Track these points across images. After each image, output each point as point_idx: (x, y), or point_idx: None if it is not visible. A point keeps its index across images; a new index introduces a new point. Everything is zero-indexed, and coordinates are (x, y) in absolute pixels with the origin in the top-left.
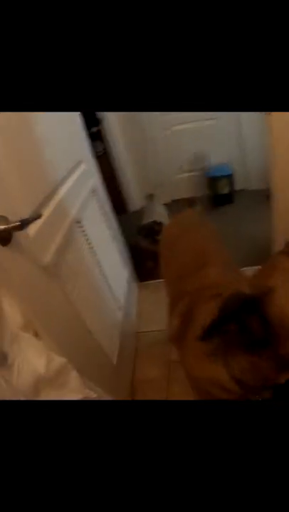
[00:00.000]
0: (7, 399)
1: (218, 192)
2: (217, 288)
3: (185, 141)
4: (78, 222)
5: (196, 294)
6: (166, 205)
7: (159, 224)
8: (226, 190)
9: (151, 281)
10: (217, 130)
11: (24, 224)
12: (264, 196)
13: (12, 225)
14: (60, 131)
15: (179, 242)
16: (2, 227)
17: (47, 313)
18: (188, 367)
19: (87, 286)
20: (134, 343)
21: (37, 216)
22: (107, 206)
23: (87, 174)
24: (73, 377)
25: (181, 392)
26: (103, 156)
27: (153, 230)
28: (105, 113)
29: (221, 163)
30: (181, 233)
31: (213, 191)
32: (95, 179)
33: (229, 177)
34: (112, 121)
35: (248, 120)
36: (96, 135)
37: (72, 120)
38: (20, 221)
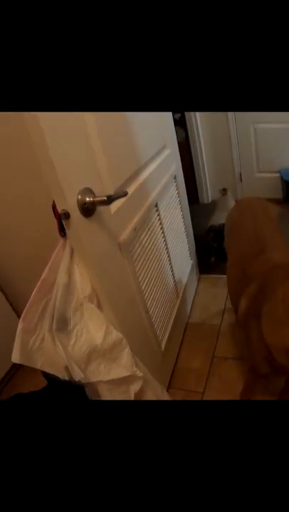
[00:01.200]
0: (60, 363)
1: None
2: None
3: (268, 140)
4: (156, 205)
5: (265, 277)
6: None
7: None
8: None
9: (211, 275)
10: None
11: (110, 200)
12: None
13: (99, 198)
14: (149, 114)
15: (240, 228)
16: (89, 199)
17: (113, 288)
18: (265, 335)
19: (153, 268)
20: (183, 332)
21: (123, 194)
22: (184, 194)
23: (170, 159)
24: (126, 354)
25: (219, 387)
26: (183, 144)
27: (221, 233)
28: None
29: None
30: (242, 219)
31: (286, 195)
32: (176, 165)
33: None
34: None
35: None
36: (178, 122)
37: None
38: (106, 196)
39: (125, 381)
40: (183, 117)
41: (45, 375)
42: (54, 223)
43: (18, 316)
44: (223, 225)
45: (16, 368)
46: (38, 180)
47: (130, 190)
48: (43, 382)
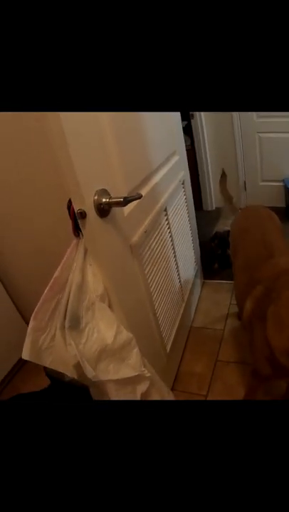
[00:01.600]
0: (72, 359)
1: None
2: None
3: (272, 149)
4: (165, 210)
5: (272, 281)
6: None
7: None
8: None
9: (215, 281)
10: None
11: (126, 201)
12: None
13: (115, 200)
14: (160, 121)
15: (247, 234)
16: (105, 200)
17: (124, 288)
18: (269, 337)
19: (161, 271)
20: (187, 336)
21: (138, 196)
22: (191, 200)
23: (179, 165)
24: (134, 354)
25: (221, 390)
26: (188, 151)
27: (226, 240)
28: None
29: None
30: (249, 226)
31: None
32: (185, 171)
33: None
34: (204, 117)
35: None
36: (185, 129)
37: (172, 112)
38: (123, 198)
39: (132, 381)
40: (189, 125)
41: (49, 374)
42: (57, 217)
43: (20, 313)
44: (228, 232)
45: (18, 368)
46: (40, 168)
47: (142, 193)
48: (44, 383)
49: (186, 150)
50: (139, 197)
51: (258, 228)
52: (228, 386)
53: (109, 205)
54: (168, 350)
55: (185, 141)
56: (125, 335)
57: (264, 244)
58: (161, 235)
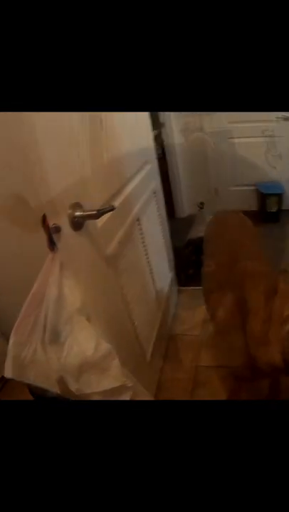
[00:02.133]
0: (54, 373)
1: (267, 209)
2: (260, 278)
3: (245, 155)
4: (138, 219)
5: (238, 287)
6: None
7: None
8: (274, 209)
9: (190, 288)
10: (275, 148)
11: (99, 214)
12: None
13: (88, 212)
14: (131, 131)
15: (218, 240)
16: (79, 213)
17: (101, 300)
18: (250, 348)
19: (137, 281)
20: (166, 343)
21: (111, 208)
22: (163, 209)
23: (151, 175)
24: (115, 365)
25: (205, 395)
26: (160, 160)
27: (200, 246)
28: (167, 117)
29: (274, 182)
30: (220, 231)
31: (262, 208)
32: (156, 181)
33: (280, 196)
34: (173, 125)
35: None
36: (155, 138)
37: (142, 121)
38: (96, 210)
39: (116, 392)
40: (160, 134)
41: (32, 392)
42: (32, 234)
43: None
44: (202, 238)
45: (1, 386)
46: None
47: (116, 204)
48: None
49: (158, 159)
50: (112, 209)
51: (229, 234)
52: (211, 391)
53: (83, 218)
54: (148, 359)
55: (156, 150)
56: (104, 346)
57: (232, 248)
58: (135, 245)
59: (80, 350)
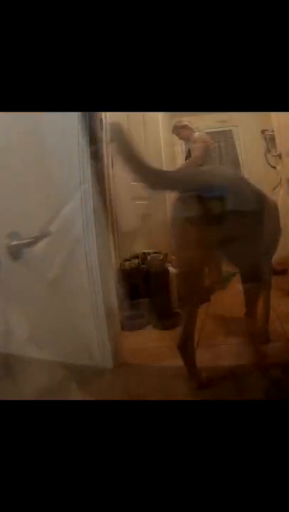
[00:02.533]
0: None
1: None
2: None
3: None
4: (78, 240)
5: None
6: None
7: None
8: None
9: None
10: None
11: (37, 240)
12: None
13: (26, 240)
14: (64, 149)
15: None
16: (16, 242)
17: (49, 326)
18: None
19: (85, 301)
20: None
21: (46, 233)
22: (104, 226)
23: (90, 194)
24: (72, 389)
25: None
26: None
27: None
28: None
29: None
30: None
31: None
32: (96, 199)
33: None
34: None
35: None
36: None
37: (75, 141)
38: (34, 237)
39: None
40: (97, 151)
41: None
42: None
43: None
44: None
45: None
46: None
47: (54, 227)
48: None
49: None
50: (48, 234)
51: None
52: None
53: (22, 246)
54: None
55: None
56: (59, 372)
57: None
58: (79, 267)
59: (34, 380)
